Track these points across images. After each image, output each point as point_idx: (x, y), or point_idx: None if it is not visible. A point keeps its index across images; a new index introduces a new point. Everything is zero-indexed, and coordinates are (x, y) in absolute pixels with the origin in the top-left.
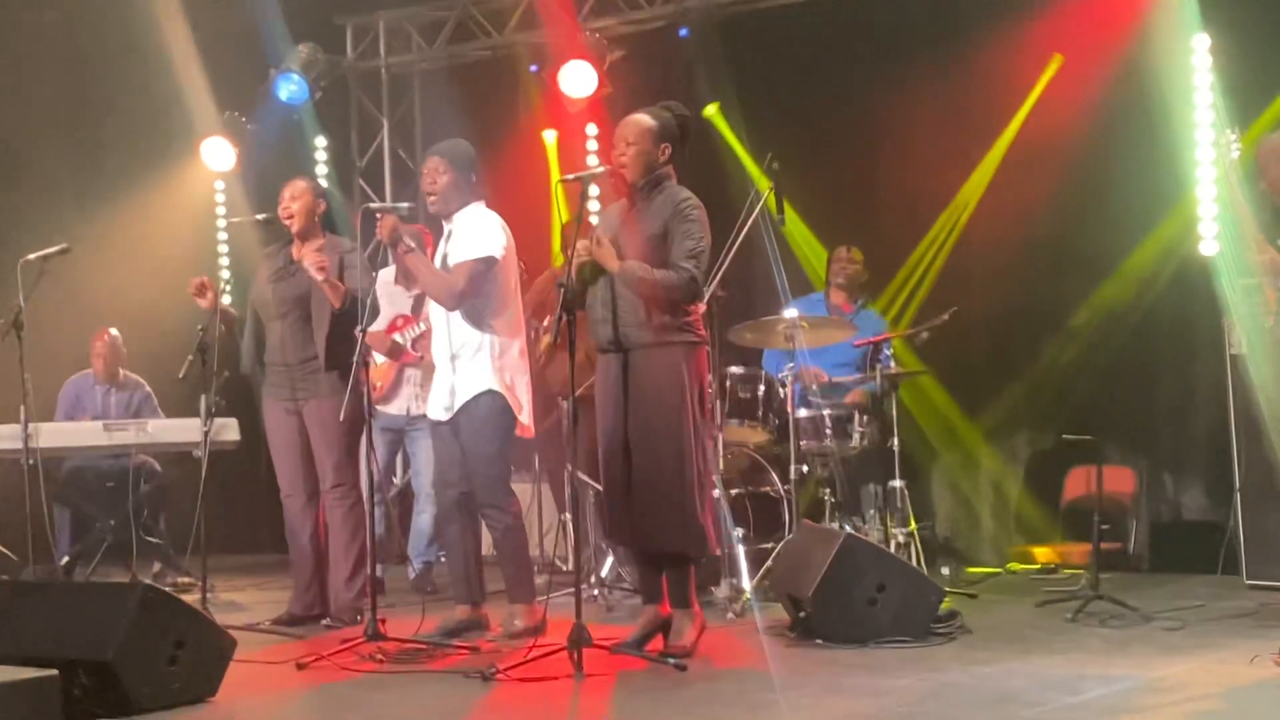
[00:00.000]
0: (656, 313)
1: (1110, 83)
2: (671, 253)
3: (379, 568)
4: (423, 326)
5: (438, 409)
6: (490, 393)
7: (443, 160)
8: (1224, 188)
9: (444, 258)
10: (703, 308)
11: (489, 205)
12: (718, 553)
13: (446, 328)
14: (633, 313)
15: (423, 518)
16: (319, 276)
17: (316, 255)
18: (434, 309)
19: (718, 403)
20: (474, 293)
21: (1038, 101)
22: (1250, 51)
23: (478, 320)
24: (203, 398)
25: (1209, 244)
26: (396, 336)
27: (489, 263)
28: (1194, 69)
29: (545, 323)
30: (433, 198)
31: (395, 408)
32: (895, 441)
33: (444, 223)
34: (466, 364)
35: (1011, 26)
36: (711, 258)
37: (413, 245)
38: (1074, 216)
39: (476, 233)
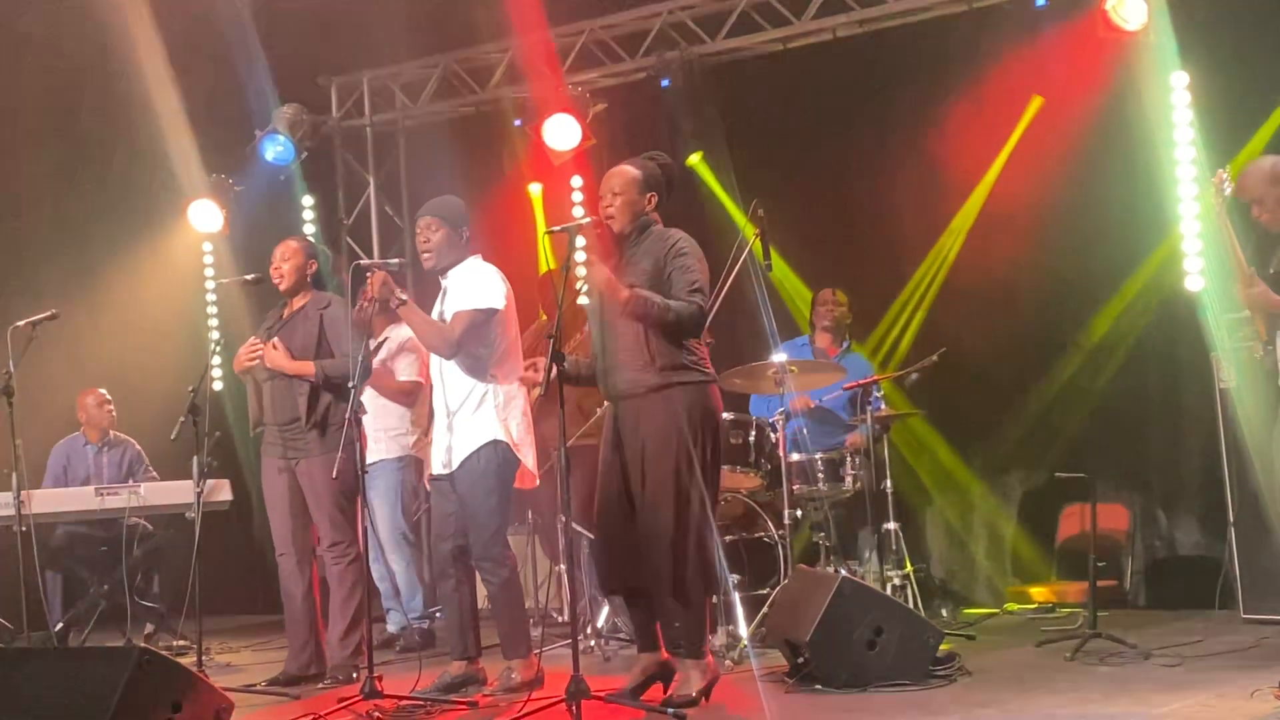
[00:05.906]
0: (661, 353)
1: (1091, 122)
2: (672, 289)
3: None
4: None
5: (436, 464)
6: (494, 443)
7: (434, 218)
8: (1207, 224)
9: (441, 315)
10: (709, 340)
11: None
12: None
13: (441, 384)
14: (634, 357)
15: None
16: (288, 370)
17: (273, 354)
18: (432, 365)
19: None
20: (471, 342)
21: (1019, 142)
22: (1228, 87)
23: (480, 372)
24: (195, 459)
25: (1194, 279)
26: None
27: (489, 313)
28: (1173, 106)
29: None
30: (427, 255)
31: None
32: (888, 484)
33: (440, 279)
34: (466, 418)
35: (991, 69)
36: None
37: (405, 298)
38: (1059, 255)
39: (475, 285)
